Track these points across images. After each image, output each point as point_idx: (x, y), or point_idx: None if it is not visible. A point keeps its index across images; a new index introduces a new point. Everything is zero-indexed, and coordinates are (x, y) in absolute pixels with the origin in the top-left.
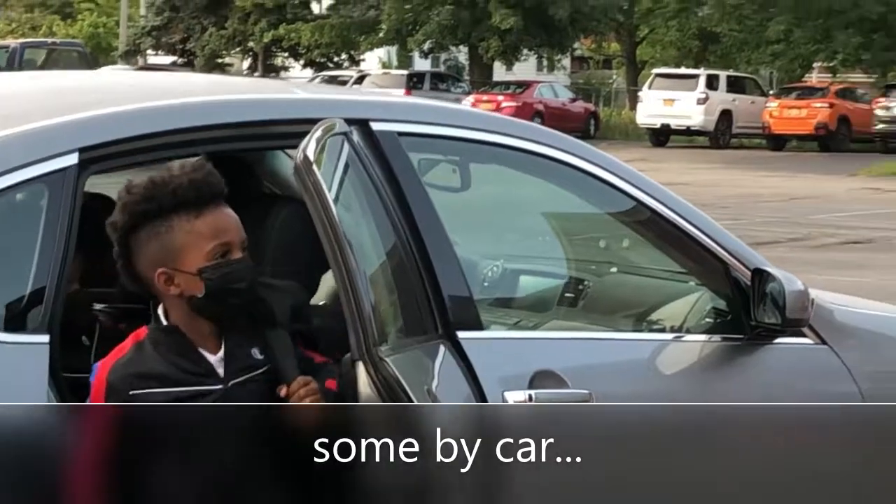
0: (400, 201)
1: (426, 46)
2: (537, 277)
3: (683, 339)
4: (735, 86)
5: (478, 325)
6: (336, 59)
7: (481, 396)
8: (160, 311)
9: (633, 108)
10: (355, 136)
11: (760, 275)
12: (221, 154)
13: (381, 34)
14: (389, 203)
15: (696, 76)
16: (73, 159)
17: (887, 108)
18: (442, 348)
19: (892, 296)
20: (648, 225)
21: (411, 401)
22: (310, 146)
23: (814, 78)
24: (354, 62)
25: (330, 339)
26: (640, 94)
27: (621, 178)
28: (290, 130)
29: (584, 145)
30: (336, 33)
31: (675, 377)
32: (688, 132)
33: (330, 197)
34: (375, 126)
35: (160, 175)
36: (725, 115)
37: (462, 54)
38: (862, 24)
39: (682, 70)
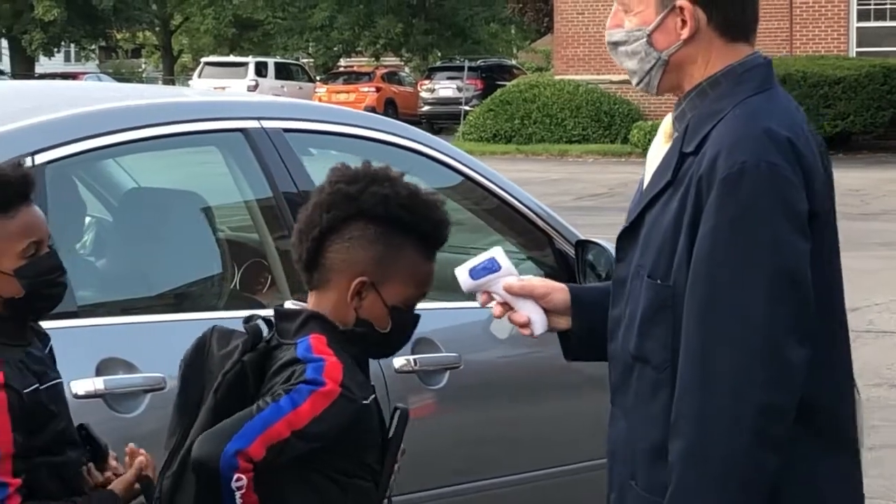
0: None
1: None
2: None
3: None
4: (283, 72)
5: None
6: None
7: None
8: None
9: None
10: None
11: (583, 246)
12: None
13: None
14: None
15: (245, 64)
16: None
17: (432, 91)
18: None
19: None
20: (477, 200)
21: None
22: None
23: (342, 63)
24: None
25: None
26: (190, 83)
27: (451, 157)
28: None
29: (416, 129)
30: None
31: (510, 340)
32: None
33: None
34: (267, 124)
35: (432, 197)
36: None
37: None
38: (401, 10)
39: (232, 58)
